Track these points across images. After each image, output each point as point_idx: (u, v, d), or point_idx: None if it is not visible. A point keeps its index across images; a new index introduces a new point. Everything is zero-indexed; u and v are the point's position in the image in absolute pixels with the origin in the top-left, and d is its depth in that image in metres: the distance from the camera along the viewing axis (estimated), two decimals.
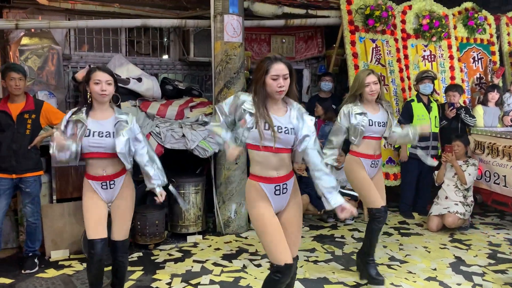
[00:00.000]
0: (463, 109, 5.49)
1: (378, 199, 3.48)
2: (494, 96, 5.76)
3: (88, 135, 2.75)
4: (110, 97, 2.85)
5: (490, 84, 6.13)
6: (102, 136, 2.78)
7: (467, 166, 4.87)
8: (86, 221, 2.83)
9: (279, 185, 2.44)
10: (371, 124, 3.47)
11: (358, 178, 3.54)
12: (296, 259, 2.54)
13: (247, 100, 2.41)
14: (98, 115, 2.83)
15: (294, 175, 2.56)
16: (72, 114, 2.81)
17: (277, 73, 2.34)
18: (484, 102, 5.85)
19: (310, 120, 2.49)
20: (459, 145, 4.94)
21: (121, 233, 2.94)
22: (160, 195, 3.04)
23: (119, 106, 2.98)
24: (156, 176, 3.03)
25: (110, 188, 2.88)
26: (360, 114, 3.45)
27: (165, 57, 6.08)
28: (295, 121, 2.42)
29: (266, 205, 2.45)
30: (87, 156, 2.81)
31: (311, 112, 5.73)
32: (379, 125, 3.50)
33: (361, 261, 3.65)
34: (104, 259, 2.87)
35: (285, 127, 2.39)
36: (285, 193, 2.48)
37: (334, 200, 2.46)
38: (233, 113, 2.45)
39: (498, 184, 4.93)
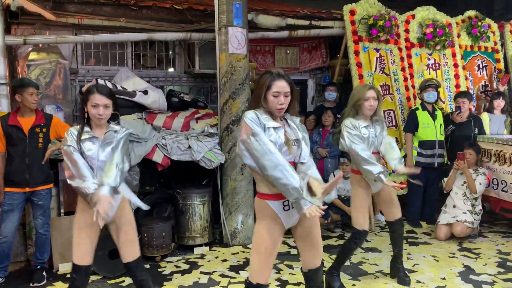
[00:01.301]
0: (472, 118, 5.47)
1: (364, 223, 3.49)
2: (499, 103, 5.74)
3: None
4: (107, 119, 2.80)
5: (496, 91, 6.12)
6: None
7: (477, 175, 4.84)
8: (76, 244, 2.73)
9: (287, 201, 2.39)
10: (373, 139, 3.48)
11: (356, 196, 3.55)
12: (321, 267, 2.58)
13: (263, 117, 2.36)
14: (97, 133, 2.78)
15: None
16: (80, 132, 2.73)
17: (279, 90, 2.34)
18: (490, 110, 5.83)
19: (300, 123, 2.55)
20: (471, 153, 4.90)
21: (130, 254, 2.84)
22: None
23: (118, 123, 2.91)
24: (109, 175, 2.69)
25: None
26: (366, 127, 3.44)
27: (171, 69, 6.13)
28: (298, 131, 2.46)
29: (273, 226, 2.41)
30: None
31: (318, 121, 5.75)
32: (375, 139, 3.49)
33: (326, 272, 3.60)
34: (85, 286, 2.79)
35: (294, 140, 2.43)
36: (294, 207, 2.41)
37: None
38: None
39: (506, 191, 4.89)
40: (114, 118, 2.86)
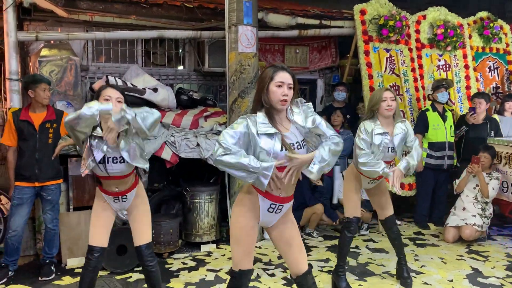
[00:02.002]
0: (488, 120, 5.40)
1: (354, 211, 3.54)
2: (511, 105, 5.68)
3: (103, 163, 2.68)
4: None
5: (507, 93, 6.06)
6: (116, 162, 2.72)
7: (490, 179, 4.79)
8: (91, 226, 2.91)
9: (275, 205, 2.38)
10: (389, 151, 3.41)
11: (349, 187, 3.60)
12: (308, 271, 2.53)
13: (257, 122, 2.29)
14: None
15: (292, 201, 2.48)
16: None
17: (282, 80, 2.30)
18: (501, 112, 5.77)
19: (307, 107, 2.40)
20: (486, 157, 4.84)
21: (142, 237, 2.96)
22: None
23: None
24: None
25: (122, 201, 2.92)
26: (382, 134, 3.38)
27: (180, 67, 6.15)
28: (305, 122, 2.35)
29: (252, 216, 2.39)
30: (100, 177, 2.81)
31: (327, 121, 5.73)
32: (392, 151, 3.42)
33: (332, 272, 3.64)
34: (99, 268, 2.92)
35: (296, 142, 2.33)
36: (277, 213, 2.42)
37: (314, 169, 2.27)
38: (246, 144, 2.28)
39: None
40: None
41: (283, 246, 2.50)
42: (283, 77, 2.31)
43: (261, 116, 2.32)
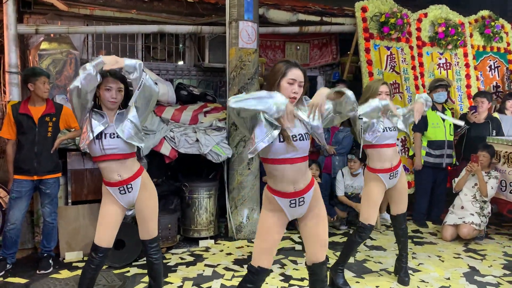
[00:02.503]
0: (490, 119, 5.40)
1: (371, 218, 3.49)
2: None
3: (100, 138, 2.67)
4: (119, 104, 2.79)
5: (508, 92, 6.05)
6: (113, 137, 2.69)
7: (489, 178, 4.79)
8: (99, 225, 2.81)
9: (295, 199, 2.39)
10: (385, 130, 3.41)
11: (368, 191, 3.53)
12: (325, 262, 2.56)
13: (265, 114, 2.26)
14: (109, 119, 2.76)
15: (316, 185, 2.48)
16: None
17: (294, 78, 2.30)
18: (502, 110, 5.76)
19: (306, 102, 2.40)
20: (485, 156, 4.84)
21: (147, 233, 2.95)
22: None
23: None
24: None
25: (128, 192, 2.80)
26: (378, 117, 3.40)
27: (181, 63, 6.15)
28: (306, 118, 2.32)
29: (277, 216, 2.43)
30: (100, 160, 2.73)
31: None
32: (390, 130, 3.45)
33: (331, 268, 3.61)
34: (101, 267, 2.87)
35: (299, 134, 2.32)
36: (301, 205, 2.42)
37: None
38: (248, 119, 2.28)
39: None
40: (125, 104, 2.83)
41: (308, 238, 2.53)
42: (296, 74, 2.32)
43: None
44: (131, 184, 2.80)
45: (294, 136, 2.30)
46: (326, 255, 2.60)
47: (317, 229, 2.51)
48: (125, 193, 2.80)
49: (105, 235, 2.79)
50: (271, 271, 2.56)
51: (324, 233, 2.54)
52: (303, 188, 2.40)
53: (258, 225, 2.51)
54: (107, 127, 2.70)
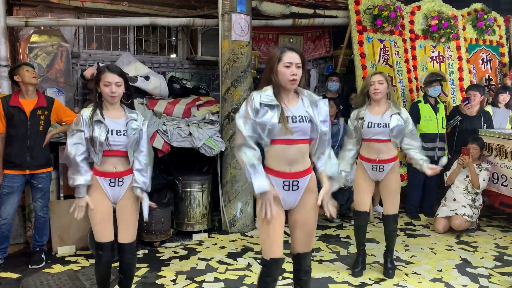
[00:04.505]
0: (482, 112, 5.42)
1: (363, 203, 3.60)
2: (505, 97, 5.69)
3: (107, 134, 2.72)
4: (120, 97, 2.82)
5: (501, 85, 6.07)
6: (120, 134, 2.76)
7: (480, 171, 4.82)
8: (93, 222, 2.80)
9: (288, 181, 2.39)
10: (369, 126, 3.48)
11: (356, 178, 3.67)
12: (310, 252, 2.57)
13: (262, 95, 2.34)
14: (112, 114, 2.80)
15: (312, 174, 2.47)
16: (88, 114, 2.76)
17: (290, 61, 2.32)
18: (495, 103, 5.79)
19: (324, 105, 2.45)
20: (475, 148, 4.87)
21: (128, 236, 2.88)
22: (141, 198, 2.89)
23: (132, 103, 2.94)
24: (139, 182, 2.86)
25: (118, 185, 2.80)
26: (360, 119, 3.53)
27: (173, 56, 6.10)
28: (310, 109, 2.39)
29: (274, 203, 2.40)
30: (104, 154, 2.76)
31: None
32: (379, 126, 3.45)
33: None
34: (112, 260, 2.89)
35: (299, 116, 2.35)
36: (295, 190, 2.41)
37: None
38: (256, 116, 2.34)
39: (506, 186, 4.88)
40: (127, 98, 2.88)
41: (295, 226, 2.52)
42: (291, 57, 2.34)
43: (269, 89, 2.37)
44: (123, 179, 2.82)
45: (294, 117, 2.34)
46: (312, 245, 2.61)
47: (307, 218, 2.49)
48: (115, 185, 2.80)
49: (104, 228, 2.80)
50: (284, 259, 2.53)
51: (313, 223, 2.52)
52: (298, 172, 2.40)
53: (258, 213, 2.43)
54: (114, 123, 2.77)
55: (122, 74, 2.80)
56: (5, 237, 3.78)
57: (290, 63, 2.32)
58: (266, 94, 2.35)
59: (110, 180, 2.78)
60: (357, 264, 3.73)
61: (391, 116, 3.45)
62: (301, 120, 2.35)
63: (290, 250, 2.62)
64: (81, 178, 2.73)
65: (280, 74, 2.34)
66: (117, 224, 2.90)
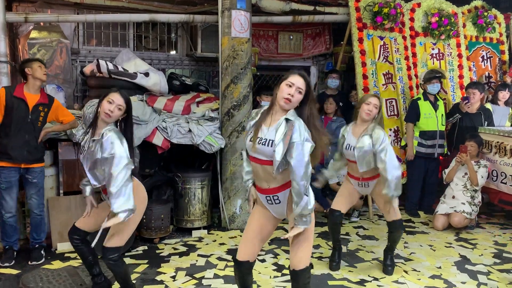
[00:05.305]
0: (482, 110, 5.42)
1: (336, 203, 3.71)
2: (505, 95, 5.69)
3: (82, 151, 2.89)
4: (114, 120, 2.81)
5: (501, 82, 6.07)
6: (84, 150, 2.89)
7: (479, 168, 4.83)
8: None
9: (269, 196, 2.48)
10: (347, 148, 3.55)
11: (343, 185, 3.82)
12: (305, 270, 2.48)
13: (256, 111, 2.53)
14: (97, 133, 2.80)
15: (289, 190, 2.42)
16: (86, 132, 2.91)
17: (293, 82, 2.37)
18: (494, 101, 5.78)
19: (293, 136, 2.29)
20: (472, 146, 4.88)
21: (114, 241, 2.86)
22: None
23: (129, 134, 2.94)
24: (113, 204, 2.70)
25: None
26: (342, 136, 3.63)
27: (173, 52, 6.09)
28: (280, 135, 2.30)
29: (263, 210, 2.57)
30: None
31: (320, 108, 5.69)
32: (352, 149, 3.46)
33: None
34: (81, 247, 3.09)
35: (264, 139, 2.34)
36: (278, 203, 2.48)
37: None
38: None
39: (505, 183, 4.89)
40: (122, 127, 2.91)
41: (292, 243, 2.52)
42: (296, 80, 2.39)
43: (266, 106, 2.52)
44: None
45: (260, 139, 2.37)
46: (311, 263, 2.61)
47: (299, 235, 2.44)
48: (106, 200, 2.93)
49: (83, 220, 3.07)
50: (249, 263, 2.53)
51: (308, 238, 2.47)
52: (277, 187, 2.44)
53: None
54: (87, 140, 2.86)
55: (128, 102, 2.85)
56: (14, 229, 3.82)
57: (292, 83, 2.37)
58: (257, 111, 2.53)
59: (102, 195, 2.97)
60: (333, 257, 3.80)
61: (362, 137, 3.43)
62: (264, 143, 2.34)
63: (289, 265, 2.59)
64: None
65: (280, 91, 2.39)
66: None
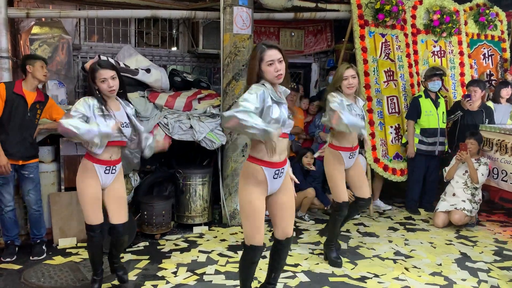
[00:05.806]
0: (483, 108, 5.41)
1: (343, 194, 3.69)
2: (508, 92, 5.66)
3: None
4: (117, 90, 2.97)
5: (502, 80, 6.06)
6: (124, 126, 2.97)
7: (479, 165, 4.84)
8: (86, 207, 2.96)
9: (279, 170, 2.56)
10: (356, 116, 3.53)
11: (332, 171, 3.71)
12: (292, 237, 2.73)
13: (264, 90, 2.43)
14: (113, 107, 2.98)
15: (288, 163, 2.71)
16: (96, 104, 2.89)
17: (272, 58, 2.44)
18: (496, 99, 5.78)
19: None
20: (473, 143, 4.88)
21: (121, 215, 3.06)
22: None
23: (124, 93, 3.11)
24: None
25: (112, 172, 3.00)
26: (349, 105, 3.53)
27: (174, 48, 6.09)
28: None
29: (260, 191, 2.55)
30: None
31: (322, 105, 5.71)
32: (358, 117, 3.53)
33: (324, 245, 3.87)
34: (102, 240, 3.07)
35: (288, 114, 2.56)
36: (281, 177, 2.61)
37: None
38: (260, 106, 2.40)
39: (506, 181, 4.89)
40: (120, 87, 3.01)
41: (277, 209, 2.66)
42: (271, 54, 2.45)
43: (268, 85, 2.47)
44: (116, 167, 3.02)
45: (289, 115, 2.56)
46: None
47: (288, 196, 2.67)
48: (109, 173, 2.99)
49: (96, 211, 2.97)
50: (264, 247, 2.65)
51: (293, 202, 2.70)
52: (283, 160, 2.60)
53: (241, 205, 2.60)
54: (120, 116, 2.97)
55: (113, 67, 2.95)
56: (14, 223, 3.83)
57: (272, 61, 2.43)
58: (272, 92, 2.47)
59: (106, 167, 2.96)
60: (338, 256, 3.82)
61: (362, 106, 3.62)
62: (289, 117, 2.56)
63: (275, 236, 2.74)
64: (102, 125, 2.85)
65: (266, 73, 2.46)
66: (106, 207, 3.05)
